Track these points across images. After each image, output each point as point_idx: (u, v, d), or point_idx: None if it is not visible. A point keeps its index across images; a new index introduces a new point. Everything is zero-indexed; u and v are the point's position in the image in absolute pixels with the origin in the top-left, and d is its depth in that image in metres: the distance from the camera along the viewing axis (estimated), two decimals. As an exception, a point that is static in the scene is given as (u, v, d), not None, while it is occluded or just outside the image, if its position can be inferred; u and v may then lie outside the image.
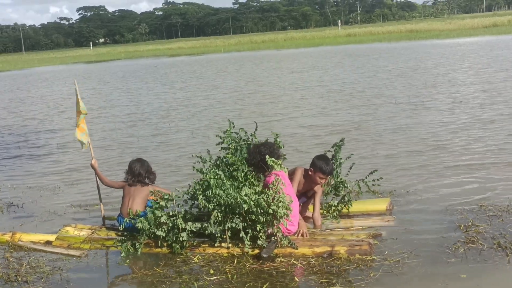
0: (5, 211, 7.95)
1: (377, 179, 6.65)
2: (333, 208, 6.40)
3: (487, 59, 25.07)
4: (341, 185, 6.53)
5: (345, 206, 6.38)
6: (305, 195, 6.44)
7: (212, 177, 5.51)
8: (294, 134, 11.68)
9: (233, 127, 6.54)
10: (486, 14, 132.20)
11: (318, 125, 12.51)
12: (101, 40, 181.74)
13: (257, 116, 14.25)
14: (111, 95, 23.66)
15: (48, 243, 6.15)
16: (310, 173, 6.13)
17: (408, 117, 12.50)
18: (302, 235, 5.68)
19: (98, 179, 6.70)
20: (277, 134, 6.49)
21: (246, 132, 6.59)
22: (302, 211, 6.36)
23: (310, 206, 6.46)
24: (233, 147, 6.41)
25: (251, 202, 5.21)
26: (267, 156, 5.60)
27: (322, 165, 6.04)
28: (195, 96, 20.64)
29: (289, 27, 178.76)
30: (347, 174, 6.70)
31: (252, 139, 6.55)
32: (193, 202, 6.01)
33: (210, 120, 14.55)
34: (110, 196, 7.71)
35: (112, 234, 6.25)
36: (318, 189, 6.21)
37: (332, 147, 6.65)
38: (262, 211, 5.25)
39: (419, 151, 9.35)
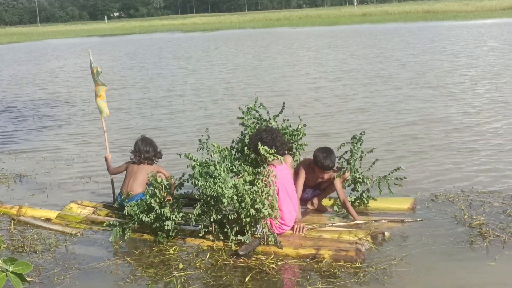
0: (18, 181, 8.08)
1: (401, 178, 5.99)
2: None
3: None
4: (360, 181, 5.92)
5: (364, 203, 5.97)
6: (319, 187, 6.01)
7: (198, 164, 5.24)
8: (324, 123, 10.92)
9: (259, 106, 6.18)
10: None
11: (351, 117, 11.41)
12: (116, 14, 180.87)
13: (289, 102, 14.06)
14: (127, 71, 23.54)
15: (48, 220, 6.28)
16: (311, 166, 5.68)
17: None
18: (298, 230, 5.27)
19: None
20: (304, 125, 6.08)
21: (268, 112, 6.19)
22: (316, 204, 6.01)
23: (324, 200, 6.11)
24: (249, 125, 6.11)
25: (234, 197, 4.87)
26: (259, 144, 5.15)
27: (321, 159, 5.52)
28: (217, 77, 20.27)
29: (304, 5, 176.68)
30: (369, 169, 6.06)
31: (271, 121, 6.10)
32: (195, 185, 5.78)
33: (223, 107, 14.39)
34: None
35: (111, 215, 6.24)
36: (336, 183, 5.62)
37: (351, 139, 5.96)
38: (244, 208, 4.87)
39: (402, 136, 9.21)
